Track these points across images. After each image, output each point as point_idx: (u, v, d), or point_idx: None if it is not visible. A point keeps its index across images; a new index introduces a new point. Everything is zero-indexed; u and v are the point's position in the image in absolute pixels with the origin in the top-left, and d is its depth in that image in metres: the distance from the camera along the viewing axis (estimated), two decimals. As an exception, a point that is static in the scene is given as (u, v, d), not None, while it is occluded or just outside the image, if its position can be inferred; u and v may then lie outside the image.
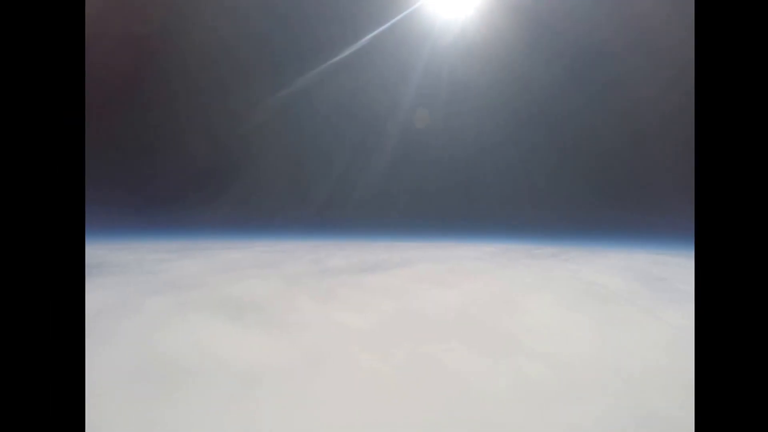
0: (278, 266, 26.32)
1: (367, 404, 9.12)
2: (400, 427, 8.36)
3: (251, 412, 8.76)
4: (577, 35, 33.51)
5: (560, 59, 35.70)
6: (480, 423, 8.50)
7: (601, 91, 37.78)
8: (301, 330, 13.56)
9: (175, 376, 10.02)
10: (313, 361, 11.05)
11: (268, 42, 35.94)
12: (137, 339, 12.17)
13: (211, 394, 9.28)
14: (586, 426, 8.34)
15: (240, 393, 9.42)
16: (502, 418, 8.65)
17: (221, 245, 37.67)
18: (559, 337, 12.83)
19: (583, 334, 13.24)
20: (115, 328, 12.99)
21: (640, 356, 11.40)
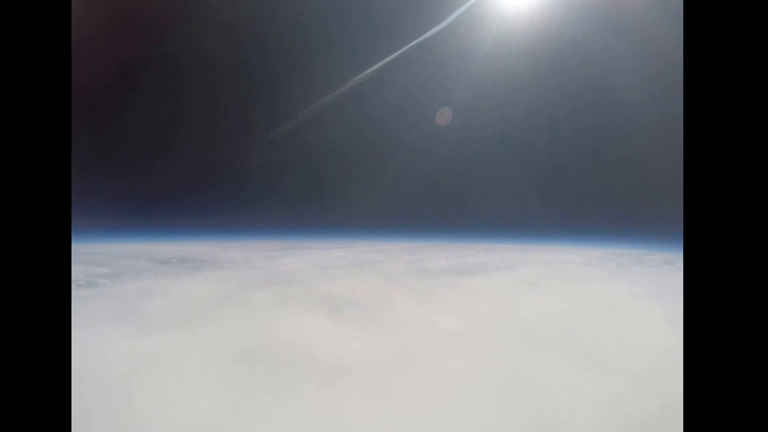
0: (377, 265, 26.54)
1: (450, 409, 8.70)
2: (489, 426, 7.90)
3: (334, 402, 8.69)
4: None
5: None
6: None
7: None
8: (396, 328, 13.38)
9: (273, 360, 10.27)
10: (402, 359, 10.77)
11: (329, 41, 36.69)
12: (243, 326, 12.67)
13: (302, 381, 9.34)
14: None
15: (328, 382, 9.39)
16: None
17: (323, 245, 38.84)
18: (664, 358, 11.44)
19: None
20: (225, 315, 13.64)
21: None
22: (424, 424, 8.17)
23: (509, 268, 26.49)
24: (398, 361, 10.62)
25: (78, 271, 21.93)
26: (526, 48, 32.61)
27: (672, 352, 11.68)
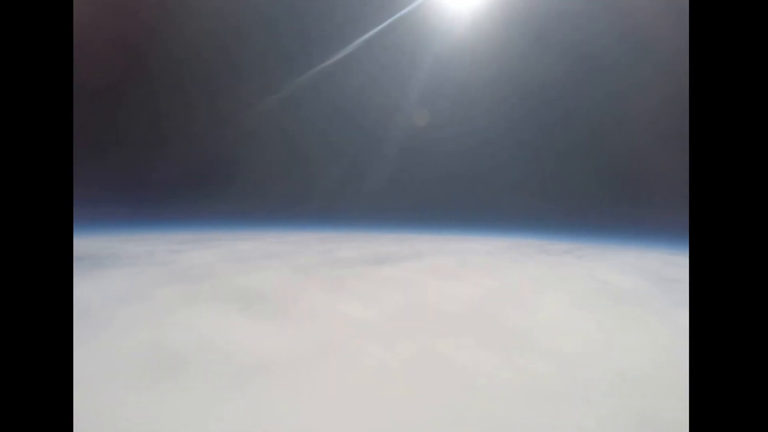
0: (288, 257, 26.36)
1: (370, 396, 9.06)
2: (402, 419, 8.29)
3: (256, 399, 8.73)
4: (580, 34, 33.16)
5: (569, 57, 35.33)
6: (483, 418, 8.40)
7: (615, 88, 37.32)
8: (309, 321, 13.54)
9: (182, 364, 10.03)
10: (320, 352, 11.00)
11: (274, 38, 35.88)
12: (147, 328, 12.21)
13: (216, 382, 9.26)
14: (587, 425, 8.23)
15: (246, 381, 9.39)
16: (506, 414, 8.54)
17: (231, 236, 37.83)
18: (569, 337, 12.62)
19: (593, 335, 13.04)
20: (126, 317, 13.04)
21: (646, 357, 11.22)
22: (344, 410, 8.43)
23: (418, 257, 27.42)
24: (314, 354, 10.85)
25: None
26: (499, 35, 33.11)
27: (574, 332, 12.89)
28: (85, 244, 29.45)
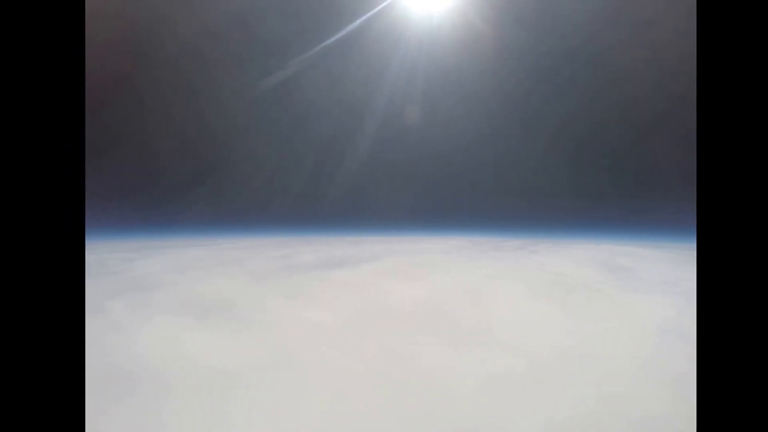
0: (244, 263, 26.01)
1: (336, 400, 9.15)
2: (369, 422, 8.41)
3: (219, 412, 8.68)
4: (558, 29, 33.91)
5: (536, 53, 36.10)
6: (450, 417, 8.62)
7: (583, 82, 38.40)
8: (268, 328, 13.49)
9: (139, 379, 9.85)
10: (280, 359, 11.02)
11: (238, 36, 35.22)
12: (100, 342, 11.88)
13: (176, 396, 9.15)
14: (557, 417, 8.57)
15: (206, 393, 9.31)
16: (472, 411, 8.79)
17: (185, 243, 36.97)
18: (527, 328, 13.12)
19: (550, 324, 13.57)
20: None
21: (605, 344, 11.75)
22: (311, 415, 8.49)
23: (375, 259, 27.50)
24: (275, 361, 10.84)
25: None
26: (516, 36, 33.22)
27: (531, 324, 13.37)
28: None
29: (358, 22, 32.91)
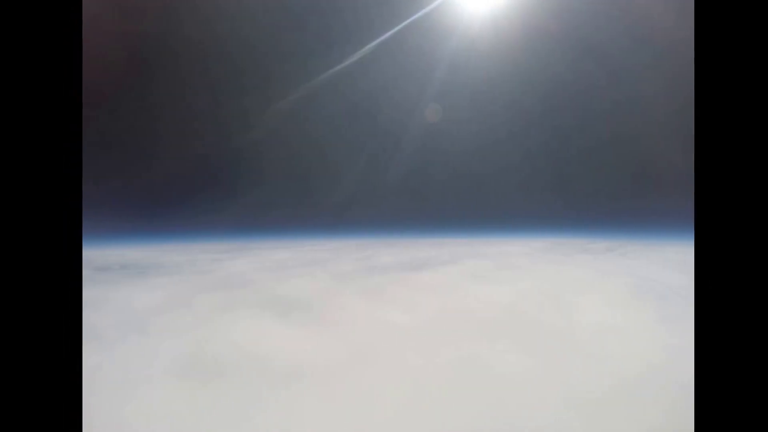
0: (326, 264, 26.46)
1: (409, 402, 8.90)
2: (441, 423, 8.13)
3: (292, 405, 8.72)
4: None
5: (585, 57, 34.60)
6: (523, 425, 8.15)
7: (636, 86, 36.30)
8: (348, 327, 13.48)
9: (219, 369, 10.12)
10: (358, 358, 10.90)
11: (296, 38, 36.11)
12: (189, 333, 12.41)
13: (253, 387, 9.30)
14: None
15: (283, 387, 9.39)
16: (546, 420, 8.27)
17: (270, 245, 38.29)
18: (614, 340, 12.12)
19: (639, 336, 12.50)
20: (170, 324, 13.30)
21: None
22: (384, 418, 8.32)
23: (456, 261, 27.03)
24: (353, 360, 10.75)
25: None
26: (524, 41, 32.88)
27: (618, 332, 12.38)
28: (129, 254, 30.33)
29: (409, 20, 32.81)
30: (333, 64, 36.28)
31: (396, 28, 33.11)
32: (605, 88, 36.72)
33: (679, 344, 11.43)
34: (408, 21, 32.64)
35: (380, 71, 37.85)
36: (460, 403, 8.88)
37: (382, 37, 33.74)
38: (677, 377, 9.38)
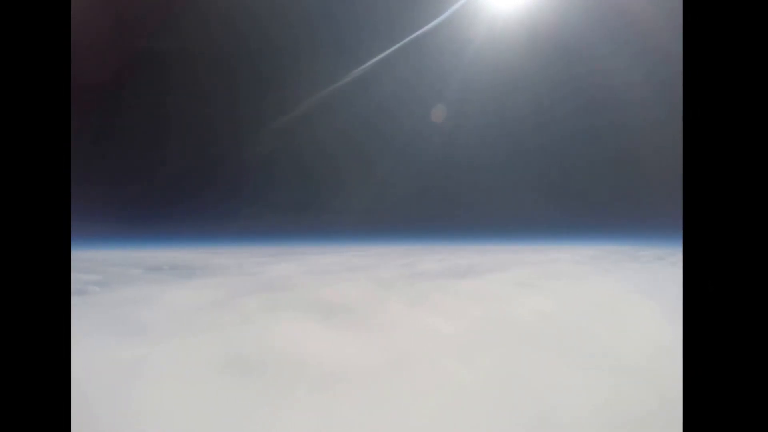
0: (370, 270, 26.49)
1: (446, 412, 8.68)
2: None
3: (332, 408, 8.65)
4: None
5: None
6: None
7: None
8: (390, 332, 13.36)
9: (260, 367, 10.19)
10: (398, 364, 10.74)
11: (319, 39, 36.54)
12: (234, 333, 12.59)
13: (292, 387, 9.30)
14: None
15: (323, 389, 9.35)
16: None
17: (316, 251, 38.75)
18: (660, 353, 11.43)
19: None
20: (214, 323, 13.55)
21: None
22: (421, 425, 8.16)
23: (502, 269, 26.51)
24: (394, 365, 10.60)
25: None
26: (523, 46, 32.63)
27: (669, 348, 11.71)
28: (179, 256, 31.25)
29: (429, 26, 32.74)
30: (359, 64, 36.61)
31: (409, 38, 33.27)
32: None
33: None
34: (420, 31, 32.76)
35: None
36: (495, 412, 8.63)
37: (399, 44, 33.91)
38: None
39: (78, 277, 22.43)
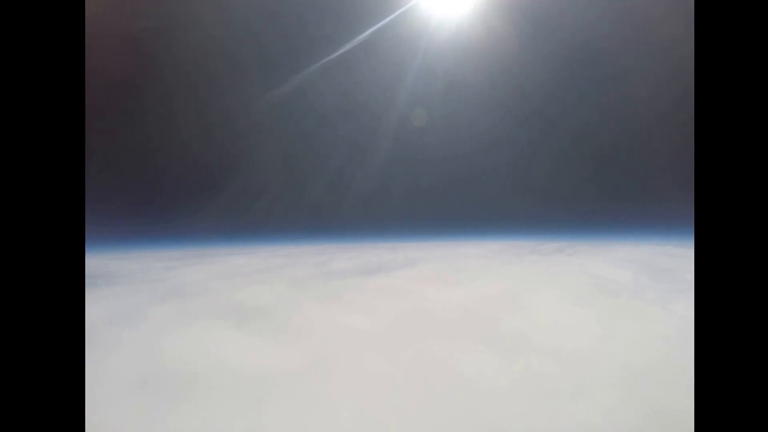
0: (282, 271, 26.30)
1: (372, 406, 9.08)
2: (405, 427, 8.33)
3: (257, 416, 8.74)
4: (573, 32, 33.43)
5: (557, 56, 35.65)
6: (485, 421, 8.45)
7: (599, 86, 37.78)
8: (307, 334, 13.53)
9: (181, 383, 10.02)
10: (319, 365, 11.01)
11: (262, 40, 35.67)
12: (144, 347, 12.18)
13: (216, 400, 9.27)
14: (593, 422, 8.30)
15: (246, 398, 9.40)
16: (508, 416, 8.61)
17: (225, 252, 37.69)
18: (567, 333, 12.73)
19: (591, 329, 13.14)
20: (122, 337, 12.99)
21: (647, 349, 11.32)
22: (352, 420, 8.46)
23: (412, 264, 27.38)
24: (315, 365, 10.88)
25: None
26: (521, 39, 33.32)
27: (571, 327, 12.97)
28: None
29: (377, 26, 33.10)
30: (299, 70, 36.15)
31: (371, 29, 33.23)
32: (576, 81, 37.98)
33: (630, 335, 12.13)
34: (383, 22, 32.81)
35: (351, 75, 37.99)
36: (422, 400, 9.18)
37: (359, 37, 33.82)
38: (626, 365, 10.03)
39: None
